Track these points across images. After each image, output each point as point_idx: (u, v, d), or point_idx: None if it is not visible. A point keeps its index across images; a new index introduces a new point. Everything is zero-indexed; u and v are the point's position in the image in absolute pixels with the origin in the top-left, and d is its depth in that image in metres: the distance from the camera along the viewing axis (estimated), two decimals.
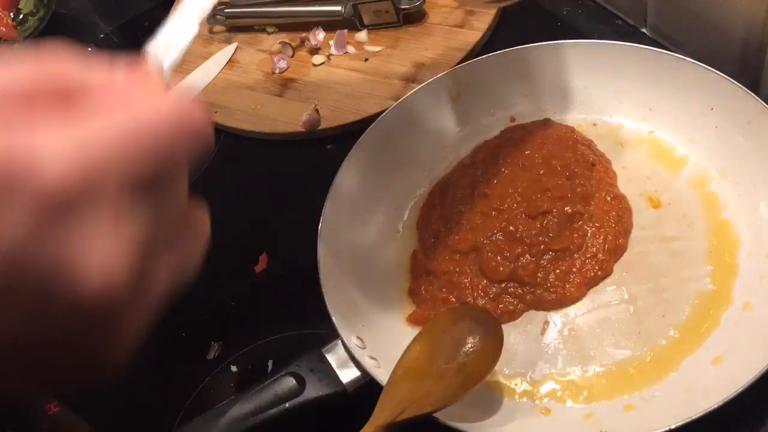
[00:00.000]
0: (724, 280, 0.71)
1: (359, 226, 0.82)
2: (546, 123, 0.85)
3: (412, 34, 1.03)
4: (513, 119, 0.88)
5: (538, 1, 1.03)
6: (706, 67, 0.78)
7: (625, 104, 0.85)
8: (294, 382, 0.70)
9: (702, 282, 0.71)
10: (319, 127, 0.97)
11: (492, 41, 1.01)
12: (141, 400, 0.81)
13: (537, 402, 0.68)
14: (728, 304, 0.70)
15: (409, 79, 0.98)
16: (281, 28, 1.10)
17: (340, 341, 0.72)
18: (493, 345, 0.66)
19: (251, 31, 1.11)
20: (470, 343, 0.66)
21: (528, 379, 0.70)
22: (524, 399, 0.69)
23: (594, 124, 0.85)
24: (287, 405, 0.69)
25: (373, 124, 0.86)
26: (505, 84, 0.88)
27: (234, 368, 0.79)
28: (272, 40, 1.08)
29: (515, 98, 0.88)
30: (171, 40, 1.00)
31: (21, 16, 1.25)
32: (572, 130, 0.84)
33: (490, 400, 0.69)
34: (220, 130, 1.02)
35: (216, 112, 1.02)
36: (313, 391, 0.70)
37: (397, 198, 0.86)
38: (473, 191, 0.80)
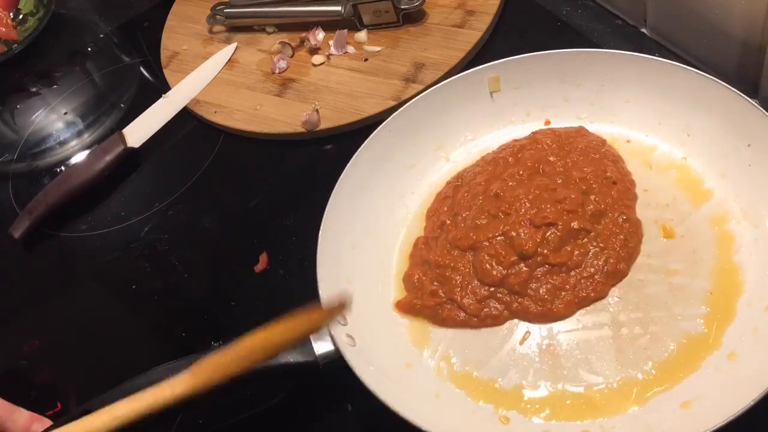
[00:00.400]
0: (717, 325, 0.68)
1: (371, 202, 0.83)
2: (578, 131, 0.84)
3: (411, 34, 1.03)
4: (548, 122, 0.87)
5: (538, 1, 1.03)
6: (753, 103, 0.75)
7: (664, 125, 0.82)
8: None
9: (694, 322, 0.69)
10: (319, 127, 0.97)
11: (492, 41, 1.01)
12: None
13: (499, 410, 0.68)
14: (714, 349, 0.67)
15: (409, 79, 0.98)
16: (281, 28, 1.10)
17: None
18: None
19: (251, 31, 1.11)
20: None
21: (496, 385, 0.70)
22: (487, 404, 0.68)
23: (628, 141, 0.83)
24: (258, 366, 0.69)
25: (405, 106, 0.86)
26: (546, 85, 0.87)
27: None
28: (272, 40, 1.08)
29: (554, 101, 0.87)
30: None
31: (21, 16, 1.26)
32: (603, 142, 0.82)
33: (452, 399, 0.69)
34: (220, 130, 1.02)
35: (216, 112, 1.02)
36: (285, 356, 0.70)
37: (415, 182, 0.86)
38: (487, 189, 0.80)
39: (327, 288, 0.74)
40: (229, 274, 0.88)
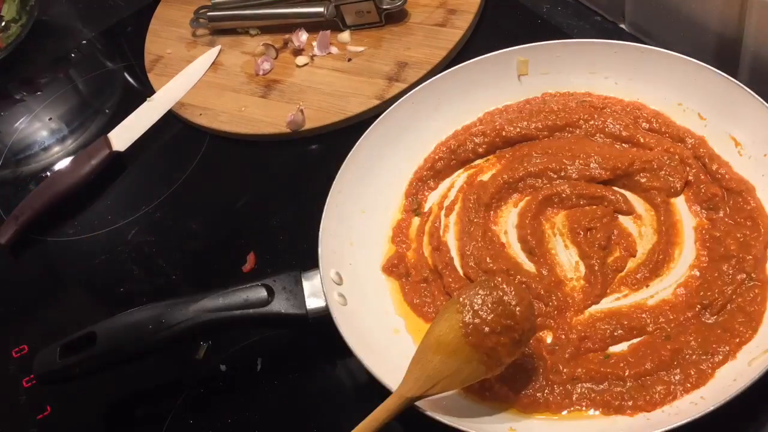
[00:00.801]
0: None
1: (386, 169, 0.85)
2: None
3: (394, 33, 1.04)
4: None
5: None
6: None
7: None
8: (265, 293, 0.74)
9: None
10: (304, 128, 0.97)
11: (474, 39, 1.02)
12: (131, 402, 0.82)
13: None
14: None
15: (393, 78, 0.98)
16: (264, 30, 1.10)
17: (320, 271, 0.75)
18: (529, 309, 0.65)
19: (234, 33, 1.12)
20: (508, 303, 0.63)
21: None
22: None
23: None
24: (251, 311, 0.74)
25: (432, 79, 0.88)
26: (575, 74, 0.87)
27: (223, 367, 0.79)
28: (255, 43, 1.09)
29: (580, 90, 0.87)
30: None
31: (3, 23, 1.25)
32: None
33: None
34: (205, 133, 1.02)
35: (201, 114, 1.02)
36: (278, 306, 0.74)
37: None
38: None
39: (328, 247, 0.76)
40: (216, 274, 0.88)
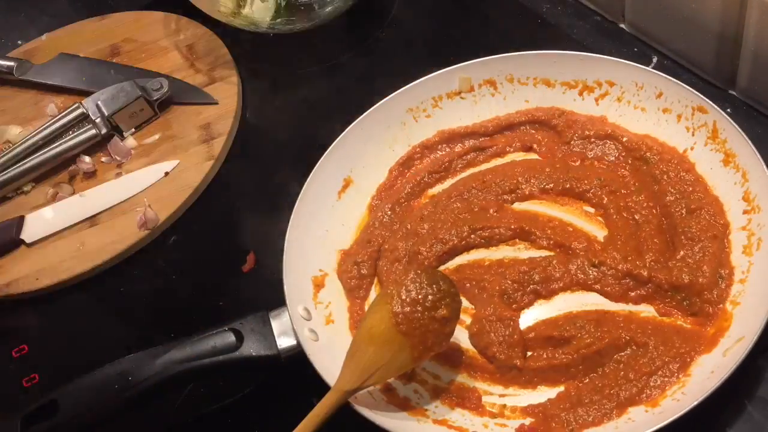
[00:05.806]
0: None
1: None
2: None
3: (175, 111, 1.00)
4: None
5: None
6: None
7: None
8: (233, 338, 0.73)
9: None
10: (162, 219, 0.92)
11: (473, 38, 1.00)
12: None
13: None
14: None
15: (208, 139, 0.97)
16: (38, 179, 0.99)
17: (287, 309, 0.74)
18: (455, 298, 0.70)
19: (5, 201, 0.98)
20: (437, 293, 0.69)
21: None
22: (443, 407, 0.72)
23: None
24: (221, 358, 0.72)
25: (374, 107, 0.86)
26: None
27: None
28: (37, 195, 0.98)
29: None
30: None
31: None
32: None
33: None
34: None
35: (37, 279, 0.92)
36: (249, 349, 0.73)
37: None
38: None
39: (292, 283, 0.76)
40: (218, 274, 0.87)
